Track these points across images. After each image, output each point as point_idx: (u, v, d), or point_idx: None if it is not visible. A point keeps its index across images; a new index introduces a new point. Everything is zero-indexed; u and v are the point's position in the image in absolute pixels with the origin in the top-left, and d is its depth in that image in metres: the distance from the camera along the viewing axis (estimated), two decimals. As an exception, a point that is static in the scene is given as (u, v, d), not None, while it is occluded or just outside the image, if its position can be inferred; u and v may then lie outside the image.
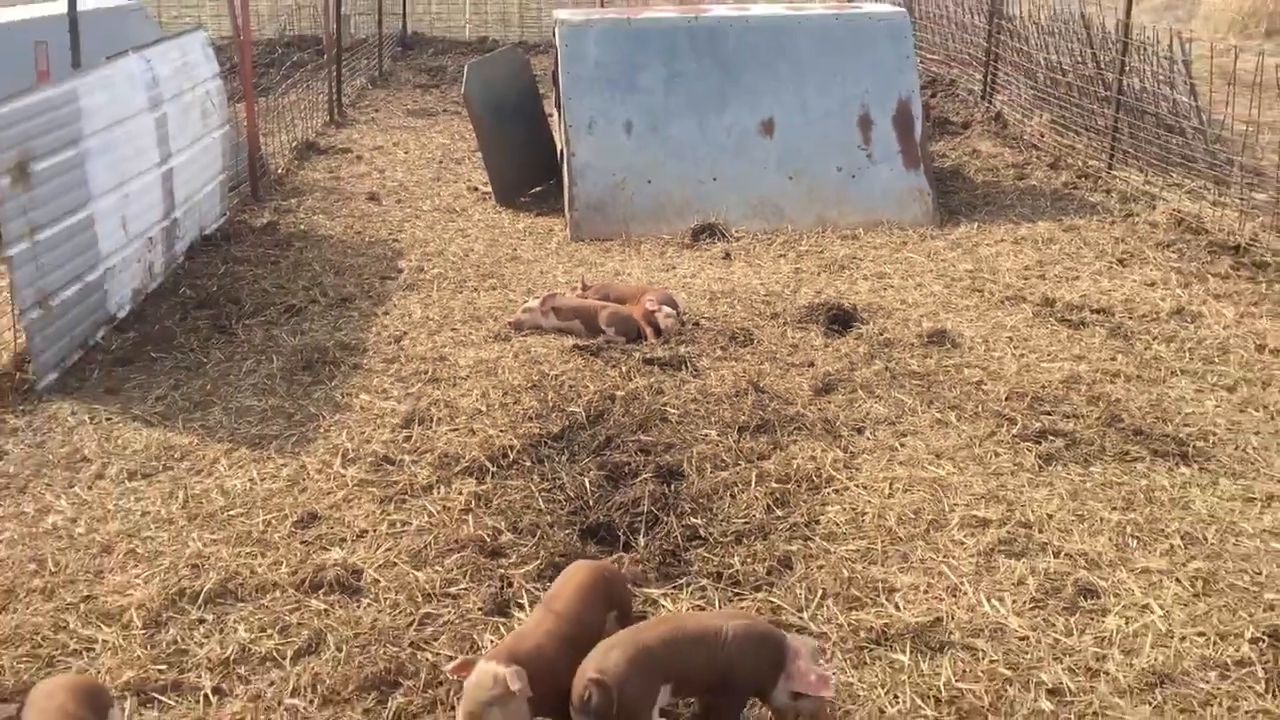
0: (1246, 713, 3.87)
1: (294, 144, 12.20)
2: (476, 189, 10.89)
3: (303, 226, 9.59)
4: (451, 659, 4.08)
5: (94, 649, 4.17)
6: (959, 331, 7.03)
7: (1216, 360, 6.60)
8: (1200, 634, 4.24)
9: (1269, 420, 5.88)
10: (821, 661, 3.64)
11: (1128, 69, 10.26)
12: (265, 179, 10.82)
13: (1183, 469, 5.39)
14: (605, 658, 3.53)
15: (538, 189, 10.78)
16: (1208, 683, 4.00)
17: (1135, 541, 4.82)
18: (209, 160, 9.18)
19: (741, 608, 4.40)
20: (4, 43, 9.92)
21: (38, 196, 6.34)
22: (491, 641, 4.18)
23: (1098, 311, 7.33)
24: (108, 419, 6.02)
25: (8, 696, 3.89)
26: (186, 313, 7.52)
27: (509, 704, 3.41)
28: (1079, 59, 11.34)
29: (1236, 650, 4.14)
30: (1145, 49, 10.44)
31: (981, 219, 9.51)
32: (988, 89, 13.10)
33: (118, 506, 5.15)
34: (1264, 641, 4.16)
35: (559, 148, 10.64)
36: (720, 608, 4.41)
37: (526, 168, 10.76)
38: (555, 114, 10.98)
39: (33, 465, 5.52)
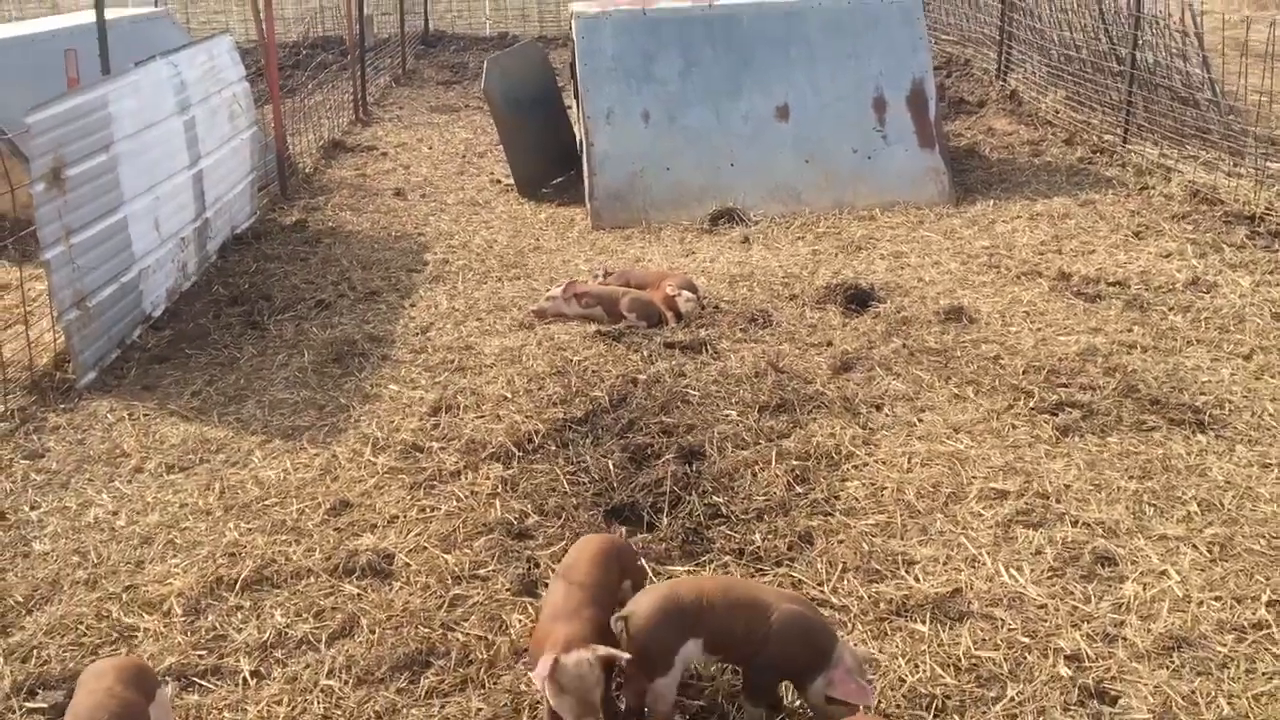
0: (1263, 674, 3.93)
1: (321, 143, 12.38)
2: (499, 181, 11.02)
3: (331, 223, 9.76)
4: (482, 639, 4.23)
5: (136, 636, 4.32)
6: (976, 308, 7.10)
7: (1232, 329, 6.64)
8: (1217, 598, 4.31)
9: (1285, 387, 5.93)
10: (869, 675, 3.68)
11: (1140, 43, 10.25)
12: (294, 178, 10.99)
13: (1199, 437, 5.44)
14: (638, 600, 3.67)
15: (559, 180, 10.90)
16: (1224, 645, 4.06)
17: (1152, 509, 4.89)
18: (238, 161, 9.35)
19: (765, 583, 4.51)
20: (35, 53, 10.15)
21: (72, 201, 6.51)
22: (521, 621, 4.31)
23: (1114, 284, 7.37)
24: (145, 415, 6.19)
25: (55, 684, 4.05)
26: (220, 310, 7.70)
27: (604, 681, 3.52)
28: (1092, 34, 11.33)
29: (1253, 614, 4.21)
30: (1157, 22, 10.42)
31: (997, 196, 9.55)
32: (1002, 67, 13.09)
33: (157, 499, 5.31)
34: None
35: (578, 139, 10.74)
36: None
37: (547, 159, 10.89)
38: (575, 106, 11.09)
39: (74, 461, 5.70)
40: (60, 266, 6.40)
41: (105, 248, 6.87)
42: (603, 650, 3.48)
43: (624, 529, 4.77)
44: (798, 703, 3.83)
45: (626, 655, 3.51)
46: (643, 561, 4.54)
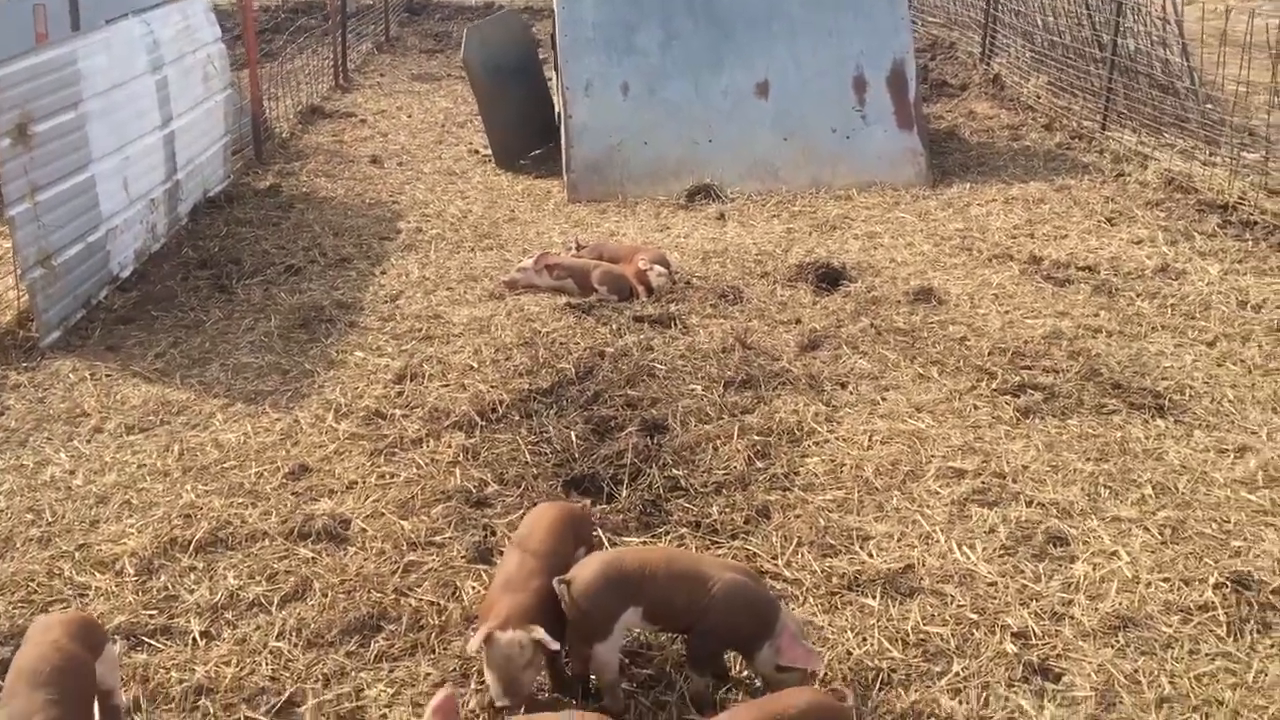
0: (1206, 655, 3.97)
1: (299, 108, 12.29)
2: (477, 152, 10.97)
3: (305, 189, 9.70)
4: (434, 604, 4.24)
5: (87, 595, 4.31)
6: (946, 289, 7.11)
7: (1198, 316, 6.67)
8: (1165, 580, 4.34)
9: (1246, 374, 5.96)
10: (809, 638, 3.73)
11: (1122, 29, 10.25)
12: (269, 142, 10.91)
13: (1158, 421, 5.48)
14: (581, 566, 3.71)
15: (538, 151, 10.85)
16: (1170, 626, 4.10)
17: (1107, 491, 4.92)
18: (211, 123, 9.27)
19: (719, 555, 4.52)
20: (2, 8, 10.02)
21: (38, 158, 6.45)
22: (474, 588, 4.31)
23: (1084, 269, 7.40)
24: (108, 375, 6.16)
25: (3, 640, 4.03)
26: (188, 273, 7.65)
27: (537, 661, 3.55)
28: (1075, 21, 11.33)
29: (1200, 595, 4.24)
30: (1139, 9, 10.42)
31: (974, 179, 9.55)
32: (986, 51, 13.08)
33: (115, 459, 5.29)
34: (1227, 587, 4.25)
35: (558, 110, 10.69)
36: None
37: (526, 130, 10.83)
38: (555, 76, 11.03)
39: (33, 420, 5.66)
40: (25, 224, 6.34)
41: (71, 206, 6.82)
42: (539, 634, 3.48)
43: (588, 501, 4.76)
44: (745, 674, 3.85)
45: (555, 645, 3.52)
46: (599, 532, 4.55)
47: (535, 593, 3.66)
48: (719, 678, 3.83)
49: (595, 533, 4.40)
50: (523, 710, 3.50)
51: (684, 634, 3.83)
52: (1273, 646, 3.99)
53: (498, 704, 3.55)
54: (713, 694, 3.78)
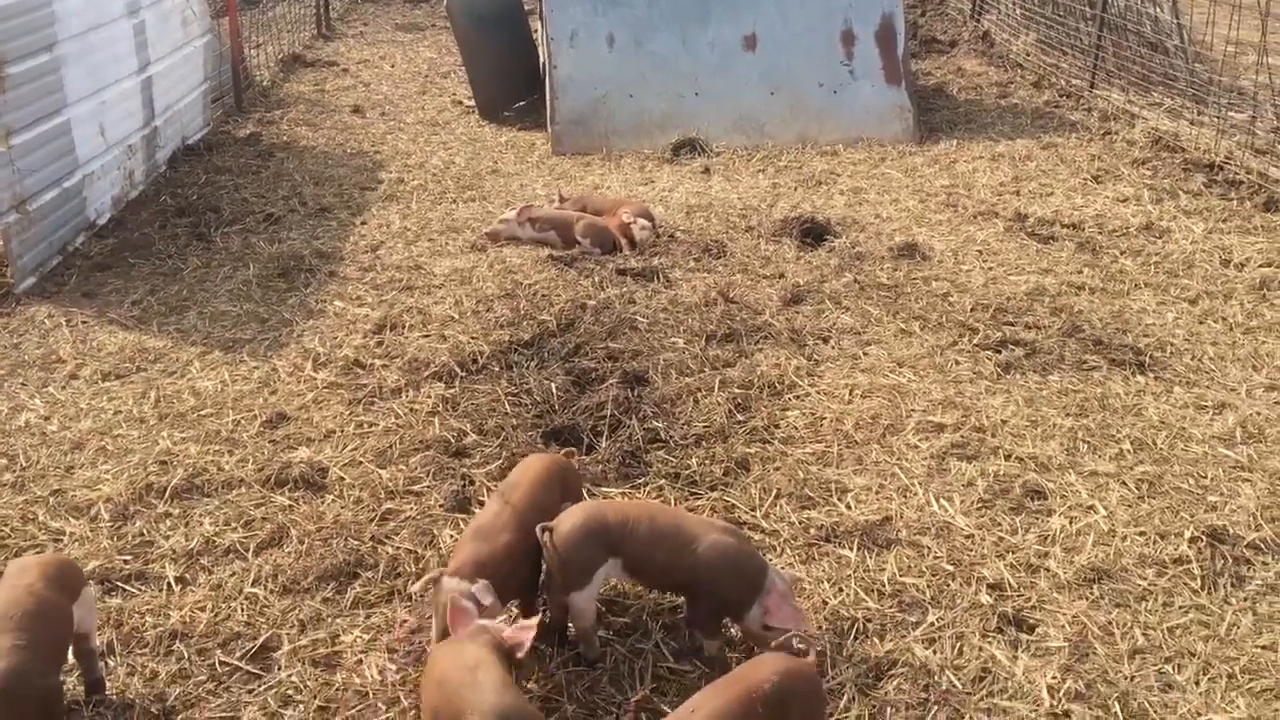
0: (1180, 608, 3.99)
1: (280, 56, 12.14)
2: (461, 103, 10.86)
3: (285, 138, 9.59)
4: (412, 552, 4.23)
5: (61, 540, 4.28)
6: (930, 245, 7.08)
7: (1181, 274, 6.67)
8: (1141, 533, 4.36)
9: (1227, 332, 5.97)
10: (796, 597, 3.72)
11: (1113, -14, 10.19)
12: (249, 90, 10.78)
13: (1138, 378, 5.48)
14: (564, 516, 3.71)
15: (522, 103, 10.74)
16: (1144, 579, 4.12)
17: (1086, 446, 4.92)
18: (190, 70, 9.14)
19: (695, 507, 4.52)
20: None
21: (12, 100, 6.35)
22: (452, 536, 4.30)
23: (1068, 226, 7.38)
24: (84, 322, 6.10)
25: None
26: (166, 220, 7.57)
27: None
28: (1067, -24, 11.24)
29: (1175, 549, 4.26)
30: (1132, -35, 10.35)
31: (961, 136, 9.50)
32: (976, 8, 12.98)
33: (90, 405, 5.24)
34: (1202, 541, 4.27)
35: (542, 62, 10.58)
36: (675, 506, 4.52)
37: (510, 82, 10.71)
38: (541, 27, 10.90)
39: (8, 366, 5.61)
40: (-1, 167, 6.26)
41: (47, 150, 6.72)
42: (485, 596, 3.46)
43: (575, 452, 4.73)
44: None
45: (489, 601, 3.47)
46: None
47: (503, 546, 3.64)
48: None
49: (583, 486, 4.37)
50: None
51: (671, 591, 3.84)
52: (1245, 600, 4.02)
53: (431, 648, 3.56)
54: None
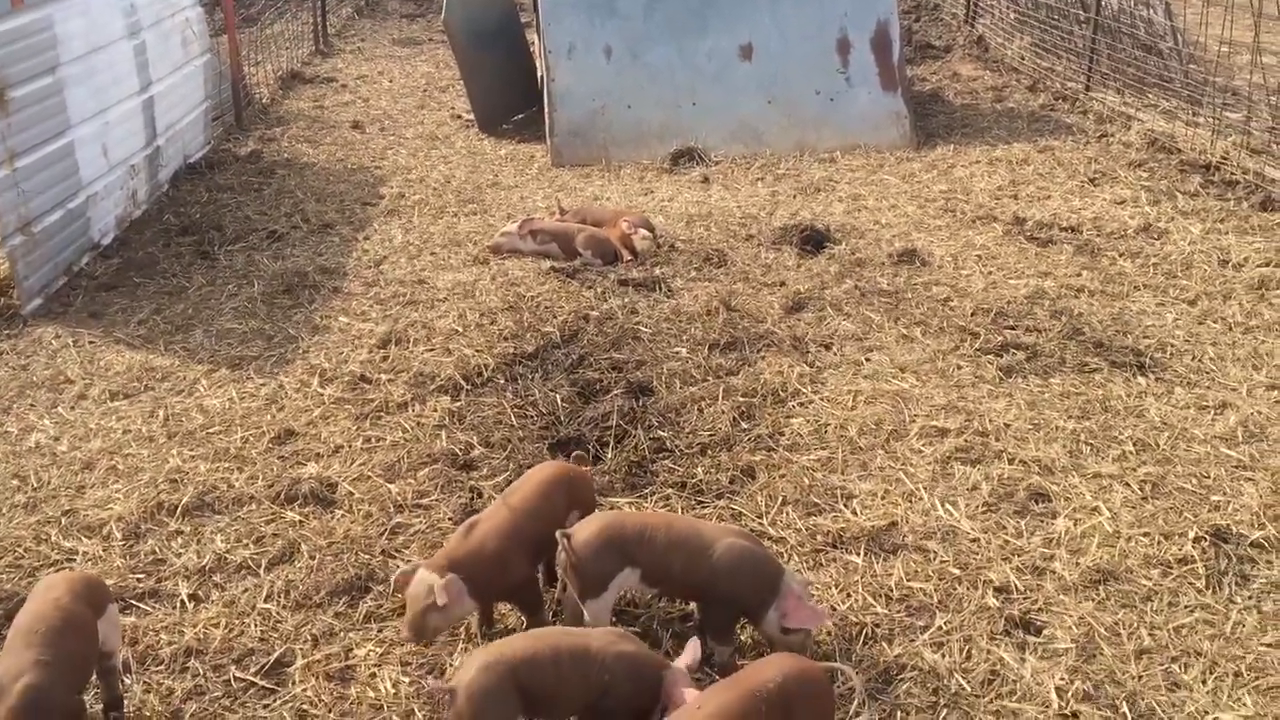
0: (1185, 607, 4.02)
1: (279, 74, 12.19)
2: (459, 117, 10.91)
3: (286, 155, 9.64)
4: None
5: (74, 560, 4.31)
6: (929, 251, 7.13)
7: (1179, 275, 6.71)
8: (1145, 534, 4.39)
9: (1226, 332, 6.01)
10: (812, 598, 3.75)
11: (1105, -12, 10.25)
12: (249, 108, 10.84)
13: (1139, 379, 5.52)
14: (584, 523, 3.76)
15: (520, 116, 10.80)
16: (1150, 580, 4.15)
17: (1088, 448, 4.96)
18: (191, 89, 9.20)
19: (702, 515, 4.55)
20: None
21: (16, 123, 6.40)
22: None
23: (1066, 229, 7.42)
24: (91, 342, 6.14)
25: (-6, 603, 4.05)
26: (170, 239, 7.62)
27: (446, 611, 3.62)
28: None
29: (1180, 549, 4.29)
30: (1123, -32, 10.41)
31: (958, 141, 9.55)
32: (970, 13, 13.04)
33: (99, 425, 5.28)
34: (1206, 540, 4.30)
35: (540, 74, 10.63)
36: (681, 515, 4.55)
37: (508, 95, 10.77)
38: (537, 40, 10.95)
39: (16, 387, 5.65)
40: (4, 190, 6.30)
41: (51, 172, 6.77)
42: (443, 596, 3.55)
43: (585, 458, 4.75)
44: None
45: (444, 601, 3.55)
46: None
47: (488, 548, 3.72)
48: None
49: (593, 494, 4.37)
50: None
51: (688, 598, 3.87)
52: (1250, 598, 4.05)
53: (400, 637, 3.72)
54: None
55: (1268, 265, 6.77)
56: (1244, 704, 3.58)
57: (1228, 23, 8.67)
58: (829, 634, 3.88)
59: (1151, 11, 10.24)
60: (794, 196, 8.35)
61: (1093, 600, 4.06)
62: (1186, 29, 10.19)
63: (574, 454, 4.52)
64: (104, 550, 4.36)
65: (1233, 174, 8.16)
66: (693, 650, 3.37)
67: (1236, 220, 7.52)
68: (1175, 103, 9.53)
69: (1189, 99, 9.42)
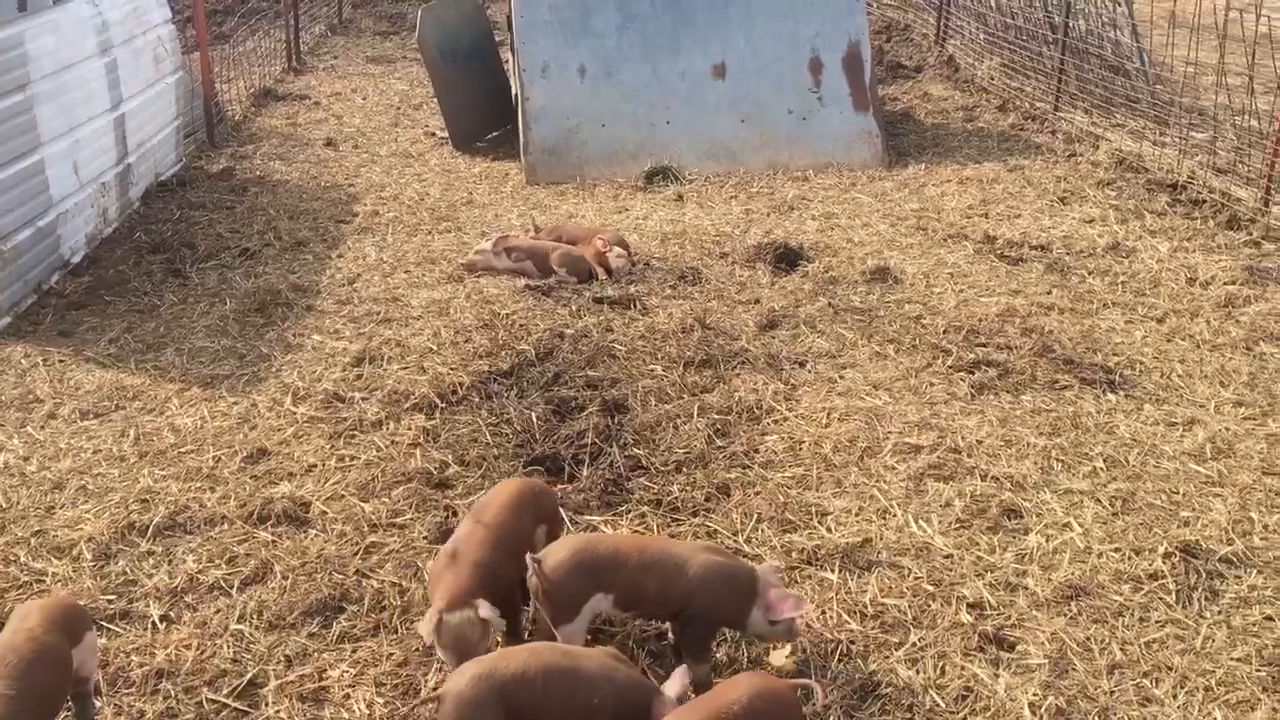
0: (1156, 622, 4.06)
1: (251, 91, 12.15)
2: (434, 134, 10.90)
3: (259, 172, 9.61)
4: (396, 585, 4.25)
5: (44, 581, 4.27)
6: (901, 269, 7.18)
7: (1148, 293, 6.79)
8: (1116, 550, 4.44)
9: (1195, 349, 6.08)
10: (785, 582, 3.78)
11: (1073, 10, 10.36)
12: (222, 125, 10.79)
13: (1109, 396, 5.57)
14: (554, 548, 3.74)
15: (494, 134, 10.81)
16: (1121, 595, 4.19)
17: (1060, 465, 5.01)
18: (163, 106, 9.15)
19: (677, 533, 4.56)
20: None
21: (-15, 141, 6.35)
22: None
23: (1036, 248, 7.50)
24: (61, 361, 6.09)
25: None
26: (141, 257, 7.57)
27: (488, 633, 3.59)
28: (1028, 2, 11.43)
29: (1150, 565, 4.34)
30: (1090, -10, 10.55)
31: (929, 160, 9.63)
32: (941, 33, 13.17)
33: (70, 445, 5.23)
34: (1176, 556, 4.35)
35: (514, 93, 10.66)
36: (658, 533, 4.56)
37: (483, 112, 10.78)
38: (512, 59, 10.98)
39: (-15, 406, 5.60)
40: (-27, 208, 6.25)
41: (21, 190, 6.72)
42: (485, 611, 3.54)
43: (558, 481, 4.77)
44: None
45: (504, 623, 3.57)
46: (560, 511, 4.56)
47: (480, 567, 3.69)
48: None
49: (559, 510, 4.39)
50: None
51: (663, 619, 3.86)
52: (1220, 613, 4.09)
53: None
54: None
55: (1234, 283, 6.86)
56: (1214, 718, 3.62)
57: (1193, 44, 8.80)
58: (804, 650, 3.89)
59: (1119, 33, 10.38)
60: (767, 215, 8.40)
61: (1065, 616, 4.09)
62: (1153, 50, 10.33)
63: (542, 476, 4.53)
64: (74, 571, 4.32)
65: (1199, 193, 8.27)
66: (680, 679, 3.36)
67: (1203, 239, 7.62)
68: (1142, 123, 9.65)
69: (1156, 119, 9.55)
